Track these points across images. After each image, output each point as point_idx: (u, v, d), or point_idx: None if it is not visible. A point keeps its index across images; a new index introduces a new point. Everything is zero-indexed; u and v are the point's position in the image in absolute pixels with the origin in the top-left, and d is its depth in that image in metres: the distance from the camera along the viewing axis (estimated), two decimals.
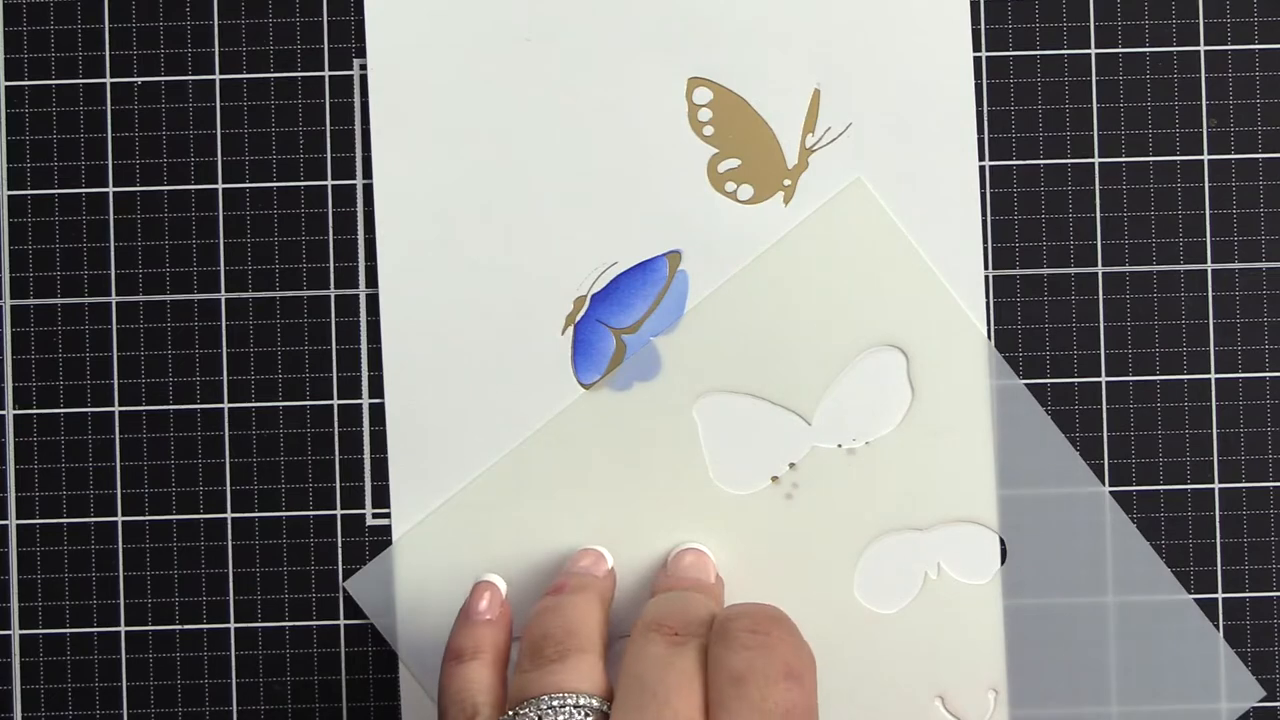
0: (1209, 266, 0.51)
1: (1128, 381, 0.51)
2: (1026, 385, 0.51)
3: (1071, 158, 0.51)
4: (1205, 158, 0.51)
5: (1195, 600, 0.51)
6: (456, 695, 0.47)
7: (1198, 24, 0.51)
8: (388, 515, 0.51)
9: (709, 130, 0.51)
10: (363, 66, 0.51)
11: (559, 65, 0.51)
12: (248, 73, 0.51)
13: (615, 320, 0.51)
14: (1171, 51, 0.51)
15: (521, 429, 0.51)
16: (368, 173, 0.51)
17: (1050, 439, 0.51)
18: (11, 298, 0.51)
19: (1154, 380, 0.51)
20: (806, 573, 0.51)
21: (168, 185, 0.51)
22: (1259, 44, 0.51)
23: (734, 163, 0.51)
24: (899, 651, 0.51)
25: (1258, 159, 0.51)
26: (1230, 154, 0.51)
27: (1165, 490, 0.51)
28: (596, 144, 0.51)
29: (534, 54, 0.51)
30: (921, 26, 0.51)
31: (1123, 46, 0.51)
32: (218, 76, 0.52)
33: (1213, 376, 0.51)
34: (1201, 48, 0.51)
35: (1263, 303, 0.51)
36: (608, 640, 0.48)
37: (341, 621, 0.51)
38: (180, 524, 0.51)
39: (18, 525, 0.51)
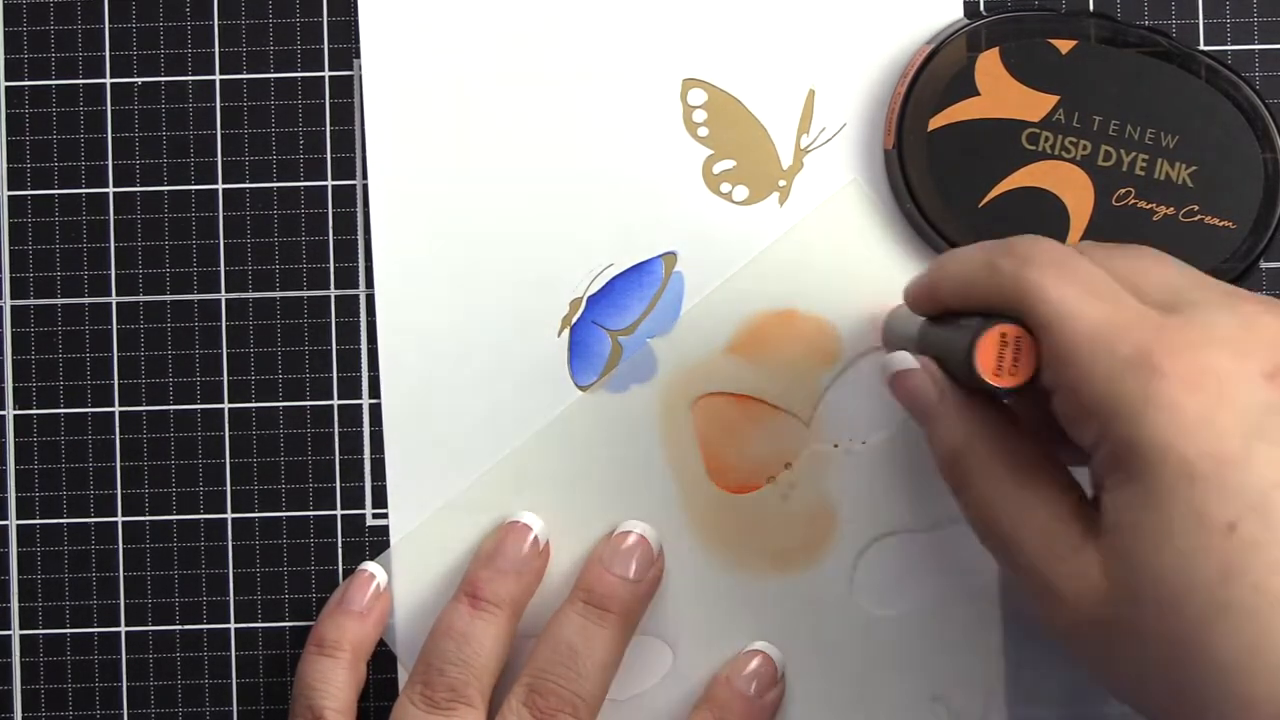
0: None
1: None
2: None
3: None
4: None
5: None
6: (306, 689, 0.49)
7: (1197, 24, 0.51)
8: (388, 515, 0.51)
9: (704, 131, 0.51)
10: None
11: (554, 67, 0.51)
12: (248, 73, 0.52)
13: (611, 322, 0.51)
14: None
15: (518, 431, 0.51)
16: (367, 173, 0.51)
17: None
18: (11, 298, 0.52)
19: None
20: (804, 574, 0.51)
21: (168, 185, 0.51)
22: (1259, 44, 0.51)
23: (729, 164, 0.51)
24: (897, 652, 0.50)
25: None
26: None
27: None
28: (592, 146, 0.51)
29: (529, 56, 0.51)
30: (916, 26, 0.51)
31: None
32: (218, 76, 0.52)
33: None
34: (1202, 47, 0.51)
35: None
36: (504, 664, 0.49)
37: None
38: (180, 524, 0.51)
39: (18, 525, 0.51)
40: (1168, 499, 0.35)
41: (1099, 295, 0.38)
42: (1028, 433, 0.41)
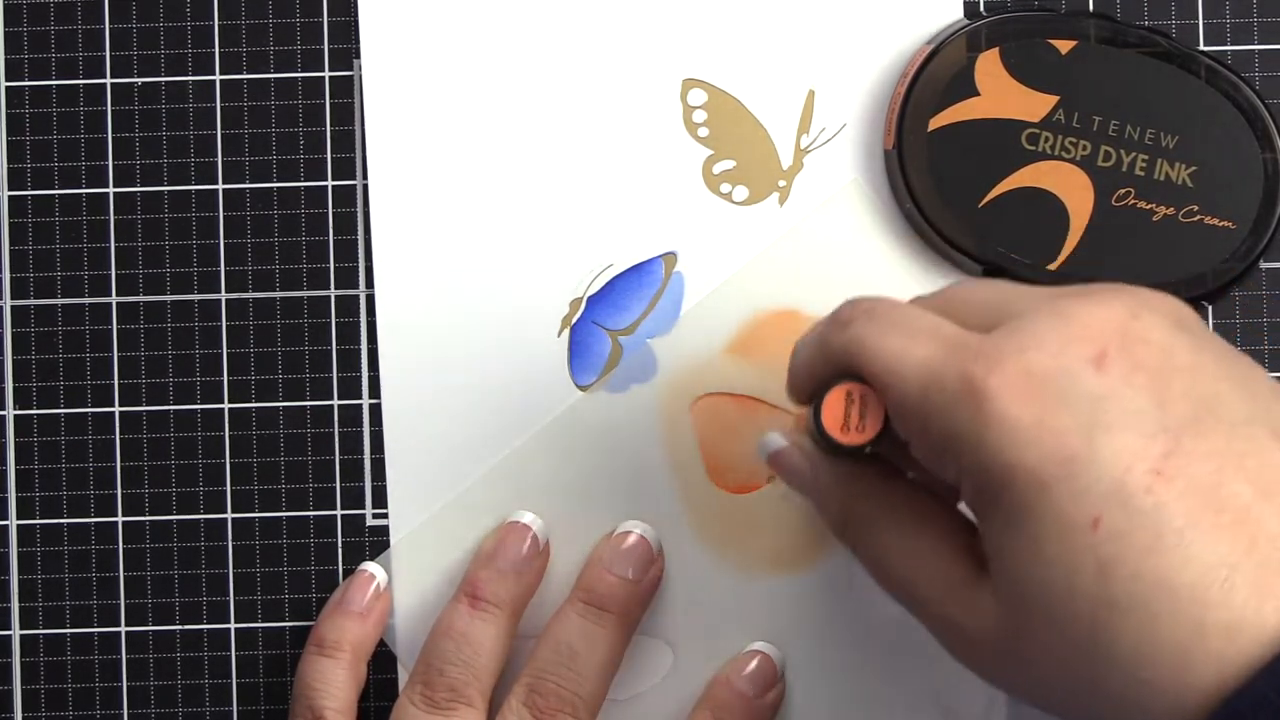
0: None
1: None
2: None
3: None
4: None
5: None
6: (306, 689, 0.49)
7: (1197, 24, 0.51)
8: (388, 515, 0.51)
9: (704, 132, 0.51)
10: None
11: (554, 67, 0.51)
12: (248, 73, 0.52)
13: (611, 322, 0.51)
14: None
15: (518, 431, 0.51)
16: (367, 173, 0.51)
17: None
18: (11, 298, 0.52)
19: None
20: (804, 574, 0.51)
21: (168, 185, 0.52)
22: (1259, 44, 0.51)
23: (729, 164, 0.51)
24: (897, 652, 0.50)
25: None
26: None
27: None
28: (592, 146, 0.51)
29: (529, 56, 0.51)
30: (916, 26, 0.51)
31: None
32: (218, 77, 0.52)
33: None
34: (1202, 48, 0.51)
35: (1263, 303, 0.51)
36: (504, 664, 0.49)
37: None
38: (180, 524, 0.51)
39: (18, 525, 0.51)
40: (1028, 513, 0.35)
41: (920, 336, 0.38)
42: (910, 482, 0.41)
